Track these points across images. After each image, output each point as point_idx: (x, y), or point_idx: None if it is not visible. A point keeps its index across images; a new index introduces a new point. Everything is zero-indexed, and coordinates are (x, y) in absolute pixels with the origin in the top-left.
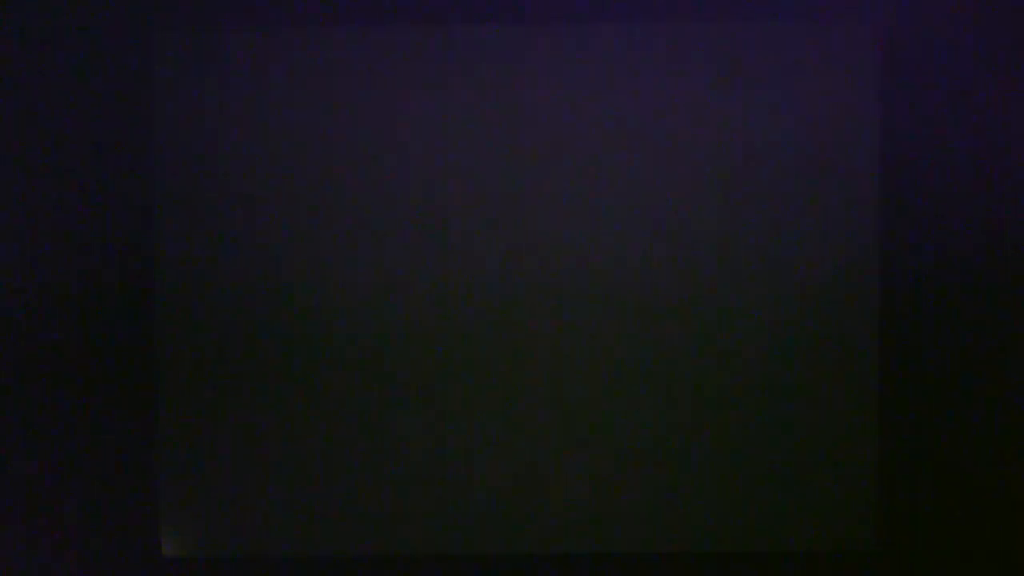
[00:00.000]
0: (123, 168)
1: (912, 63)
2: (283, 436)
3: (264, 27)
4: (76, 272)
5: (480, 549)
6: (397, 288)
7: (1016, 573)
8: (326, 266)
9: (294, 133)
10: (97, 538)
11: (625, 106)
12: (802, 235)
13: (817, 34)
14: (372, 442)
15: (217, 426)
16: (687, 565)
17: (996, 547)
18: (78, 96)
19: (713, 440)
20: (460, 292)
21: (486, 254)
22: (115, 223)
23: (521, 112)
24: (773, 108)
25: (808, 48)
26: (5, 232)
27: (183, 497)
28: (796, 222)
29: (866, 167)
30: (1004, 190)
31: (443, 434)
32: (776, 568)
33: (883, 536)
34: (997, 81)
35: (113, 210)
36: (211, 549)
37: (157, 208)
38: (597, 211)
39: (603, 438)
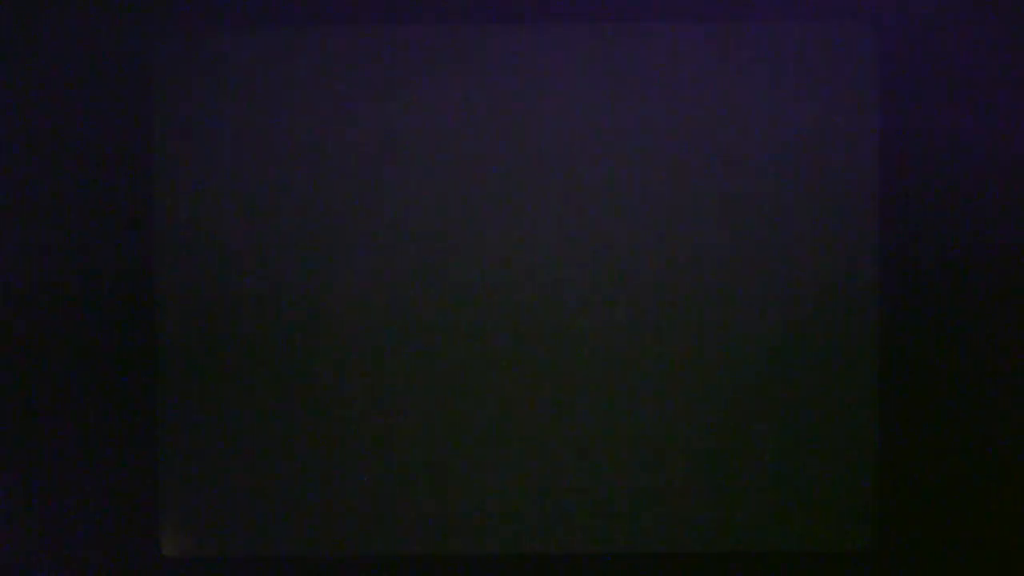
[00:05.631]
0: (123, 168)
1: (911, 62)
2: (283, 436)
3: (264, 27)
4: (76, 272)
5: (480, 549)
6: (398, 288)
7: (1016, 573)
8: (326, 266)
9: (294, 133)
10: (97, 538)
11: (624, 106)
12: (802, 235)
13: (816, 34)
14: (372, 442)
15: (217, 426)
16: (687, 565)
17: (996, 547)
18: (78, 97)
19: (713, 440)
20: (461, 292)
21: (487, 254)
22: (115, 223)
23: (521, 112)
24: (772, 108)
25: (807, 48)
26: (5, 232)
27: (183, 497)
28: (795, 222)
29: (866, 167)
30: (1004, 189)
31: (444, 434)
32: (776, 568)
33: (883, 536)
34: (997, 80)
35: (113, 210)
36: (211, 549)
37: (157, 208)
38: (597, 211)
39: (603, 438)
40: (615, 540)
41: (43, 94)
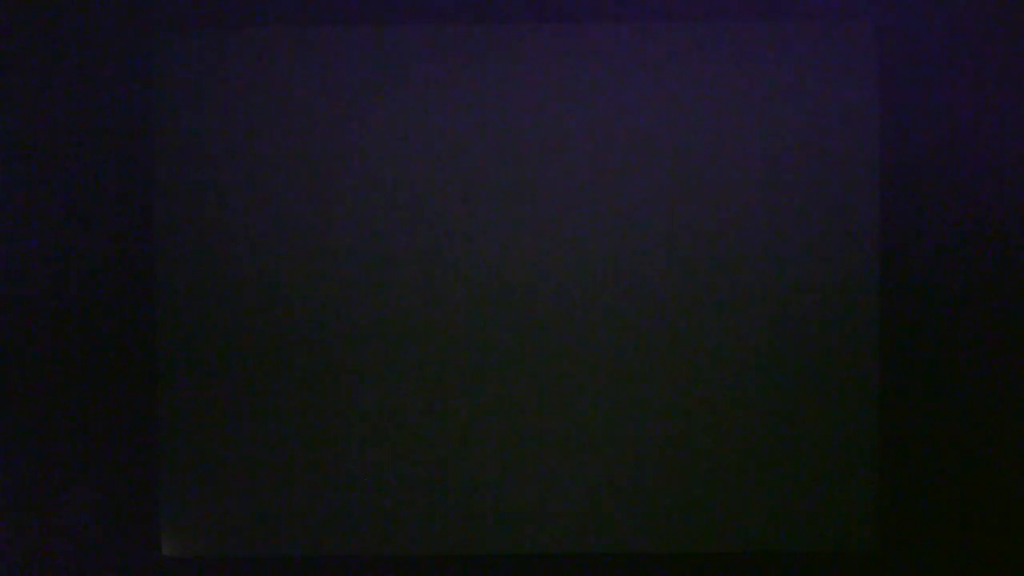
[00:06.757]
0: (123, 168)
1: (911, 62)
2: (283, 436)
3: (264, 27)
4: (76, 272)
5: (480, 549)
6: (397, 288)
7: (1016, 573)
8: (326, 266)
9: (294, 133)
10: (97, 538)
11: (624, 106)
12: (802, 235)
13: (816, 33)
14: (372, 442)
15: (217, 426)
16: (687, 565)
17: (996, 547)
18: (78, 96)
19: (713, 440)
20: (461, 290)
21: (488, 254)
22: (115, 223)
23: (521, 112)
24: (772, 107)
25: (807, 47)
26: (5, 232)
27: (183, 497)
28: (796, 222)
29: (866, 167)
30: (1004, 188)
31: (443, 434)
32: (776, 568)
33: (883, 536)
34: (997, 79)
35: (113, 210)
36: (211, 549)
37: (157, 208)
38: (596, 212)
39: (603, 438)
40: (615, 540)
41: (43, 94)
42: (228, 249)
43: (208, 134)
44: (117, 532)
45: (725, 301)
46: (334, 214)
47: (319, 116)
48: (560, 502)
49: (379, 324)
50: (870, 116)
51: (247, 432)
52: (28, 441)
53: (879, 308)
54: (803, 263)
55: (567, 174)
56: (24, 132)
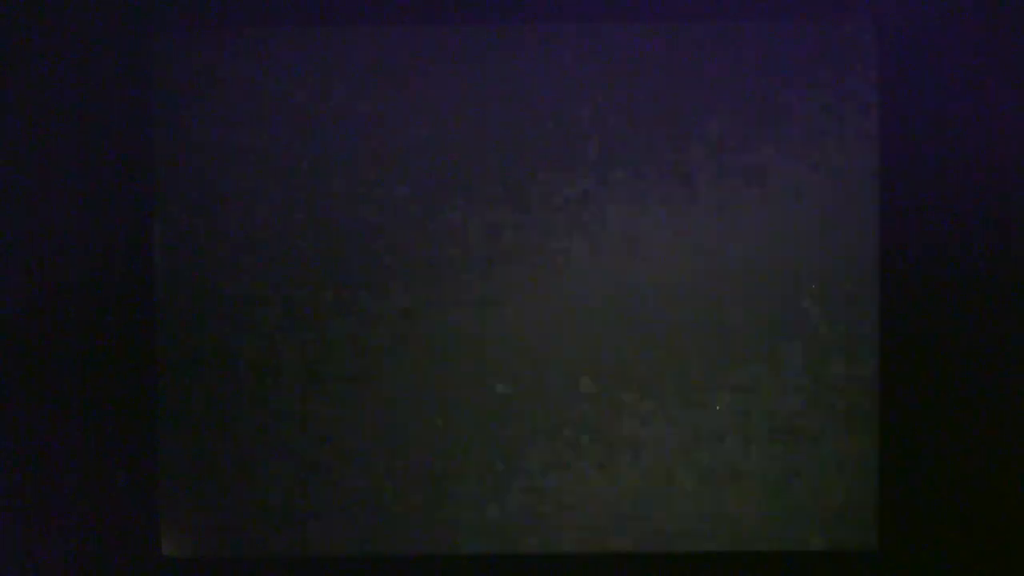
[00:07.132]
0: (123, 168)
1: (911, 61)
2: (283, 436)
3: (264, 27)
4: (76, 272)
5: (480, 549)
6: (396, 288)
7: (1016, 573)
8: (326, 266)
9: (293, 132)
10: (97, 538)
11: (625, 106)
12: (802, 235)
13: (816, 33)
14: (372, 442)
15: (217, 426)
16: (687, 565)
17: (996, 547)
18: (78, 96)
19: (714, 440)
20: (459, 291)
21: (486, 254)
22: (115, 223)
23: (521, 112)
24: (772, 108)
25: (807, 47)
26: (5, 233)
27: (183, 497)
28: (796, 221)
29: (866, 167)
30: (1004, 187)
31: (443, 434)
32: (776, 568)
33: (883, 536)
34: (997, 79)
35: (113, 210)
36: (211, 549)
37: (157, 208)
38: (595, 211)
39: (603, 438)
40: (615, 540)
41: (43, 94)
42: (228, 249)
43: (208, 134)
44: (117, 532)
45: (724, 301)
46: (333, 214)
47: (319, 116)
48: (561, 502)
49: (379, 324)
50: (870, 116)
51: (247, 432)
52: (28, 441)
53: (879, 308)
54: (803, 264)
55: (566, 173)
56: (24, 132)
